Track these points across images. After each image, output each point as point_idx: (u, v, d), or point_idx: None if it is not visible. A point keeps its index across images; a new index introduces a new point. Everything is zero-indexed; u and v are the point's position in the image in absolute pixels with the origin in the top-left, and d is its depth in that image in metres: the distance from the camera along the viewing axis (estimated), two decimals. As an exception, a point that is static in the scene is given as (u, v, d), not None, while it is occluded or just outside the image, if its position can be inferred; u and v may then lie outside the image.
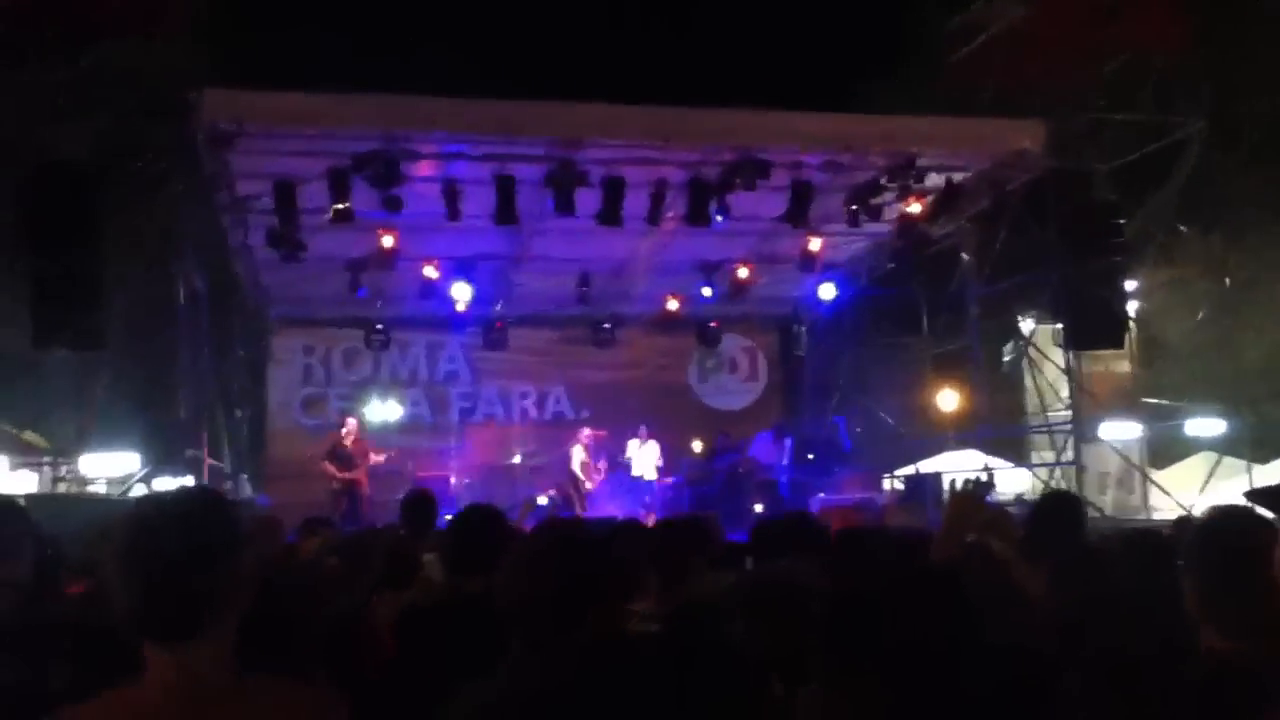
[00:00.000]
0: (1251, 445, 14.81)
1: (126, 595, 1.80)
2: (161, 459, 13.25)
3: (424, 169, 11.65)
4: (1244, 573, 2.28)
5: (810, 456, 15.58)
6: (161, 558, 1.80)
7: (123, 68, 9.52)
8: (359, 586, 4.09)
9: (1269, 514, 2.52)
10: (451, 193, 11.81)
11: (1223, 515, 2.54)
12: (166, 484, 14.28)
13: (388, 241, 12.97)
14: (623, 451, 15.44)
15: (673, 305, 16.43)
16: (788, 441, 15.56)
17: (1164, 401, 16.27)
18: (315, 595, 3.83)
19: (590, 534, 2.65)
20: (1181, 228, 14.22)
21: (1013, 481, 15.75)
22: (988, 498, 3.90)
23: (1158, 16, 12.08)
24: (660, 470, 15.32)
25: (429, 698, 2.52)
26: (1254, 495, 2.69)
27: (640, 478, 15.23)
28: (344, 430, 14.25)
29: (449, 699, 2.30)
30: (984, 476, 3.92)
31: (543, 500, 14.15)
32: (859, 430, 16.40)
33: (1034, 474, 15.28)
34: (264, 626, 2.09)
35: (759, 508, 14.37)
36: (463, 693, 2.30)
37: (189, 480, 14.31)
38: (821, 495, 14.45)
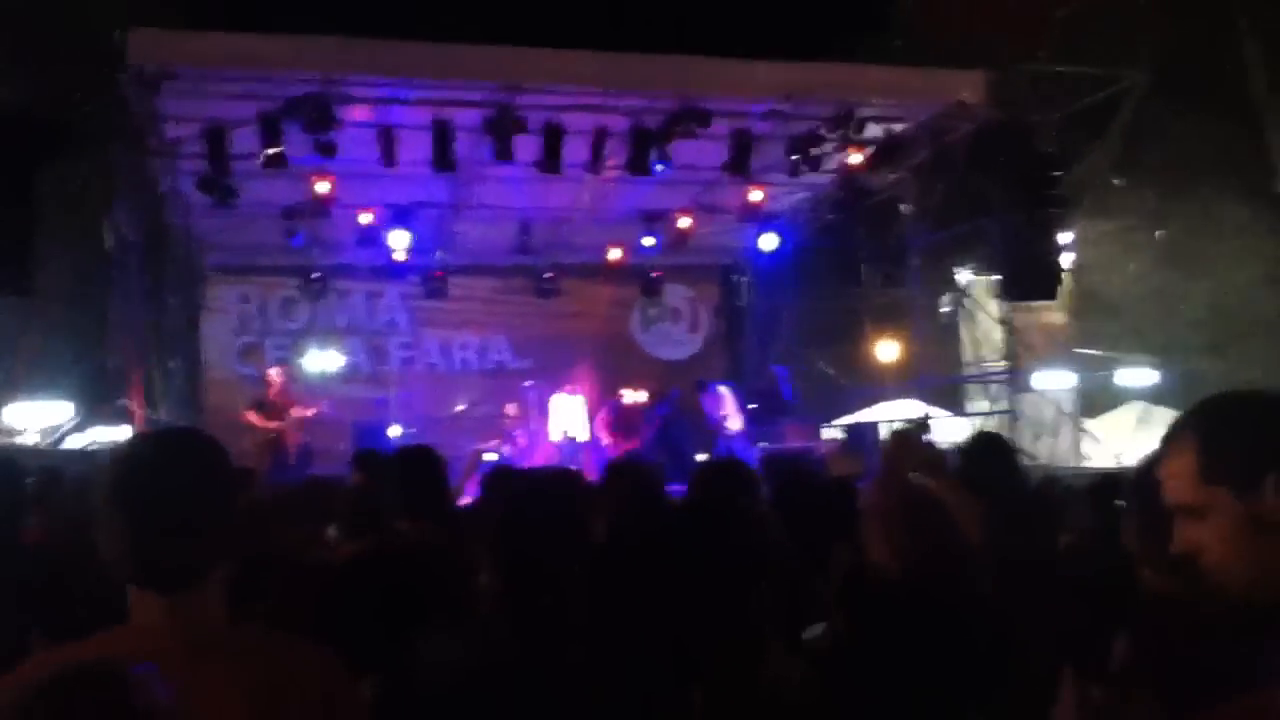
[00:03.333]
0: (1182, 395, 15.17)
1: (121, 541, 1.69)
2: (93, 409, 13.02)
3: (359, 113, 11.42)
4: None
5: (752, 406, 15.67)
6: (162, 500, 1.69)
7: (50, 5, 9.17)
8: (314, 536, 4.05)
9: None
10: (388, 139, 11.60)
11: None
12: (99, 434, 14.07)
13: (323, 188, 12.71)
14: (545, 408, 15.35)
15: (615, 255, 16.35)
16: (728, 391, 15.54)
17: (1097, 352, 16.58)
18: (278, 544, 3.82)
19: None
20: (1117, 181, 14.38)
21: (950, 430, 16.02)
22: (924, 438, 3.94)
23: None
24: (592, 428, 15.26)
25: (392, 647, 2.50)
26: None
27: (568, 437, 15.16)
28: (268, 380, 14.08)
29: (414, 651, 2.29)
30: (922, 419, 4.01)
31: (491, 456, 14.12)
32: (800, 380, 16.51)
33: (971, 423, 15.53)
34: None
35: (701, 458, 14.47)
36: (435, 647, 2.30)
37: (124, 430, 14.11)
38: (762, 445, 14.58)
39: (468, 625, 2.38)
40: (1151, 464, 2.68)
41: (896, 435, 3.84)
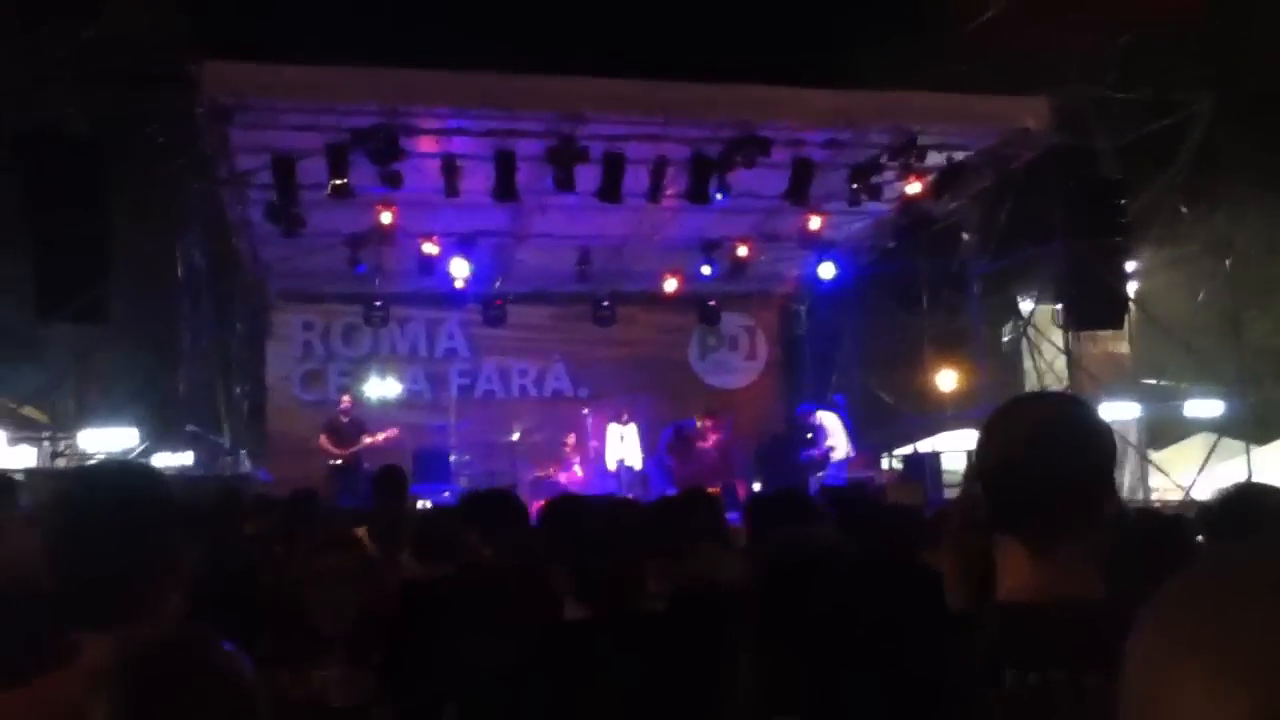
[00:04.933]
0: (1251, 426, 14.84)
1: (56, 581, 1.67)
2: (161, 434, 13.27)
3: (424, 144, 11.60)
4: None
5: (809, 436, 15.57)
6: (92, 540, 1.67)
7: (124, 37, 9.41)
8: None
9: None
10: (451, 168, 11.76)
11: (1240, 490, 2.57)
12: (165, 459, 14.35)
13: (386, 218, 12.93)
14: (603, 437, 15.41)
15: (672, 283, 16.40)
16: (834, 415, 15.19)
17: (1163, 382, 16.30)
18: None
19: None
20: (1183, 208, 14.16)
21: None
22: None
23: None
24: (644, 454, 15.28)
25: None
26: None
27: (625, 464, 15.18)
28: (340, 406, 14.29)
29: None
30: None
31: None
32: (858, 409, 16.40)
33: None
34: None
35: (757, 486, 14.40)
36: (483, 662, 2.31)
37: (189, 456, 14.36)
38: (820, 475, 14.46)
39: (555, 648, 2.38)
40: (1232, 499, 2.65)
41: (967, 488, 3.68)
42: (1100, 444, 1.65)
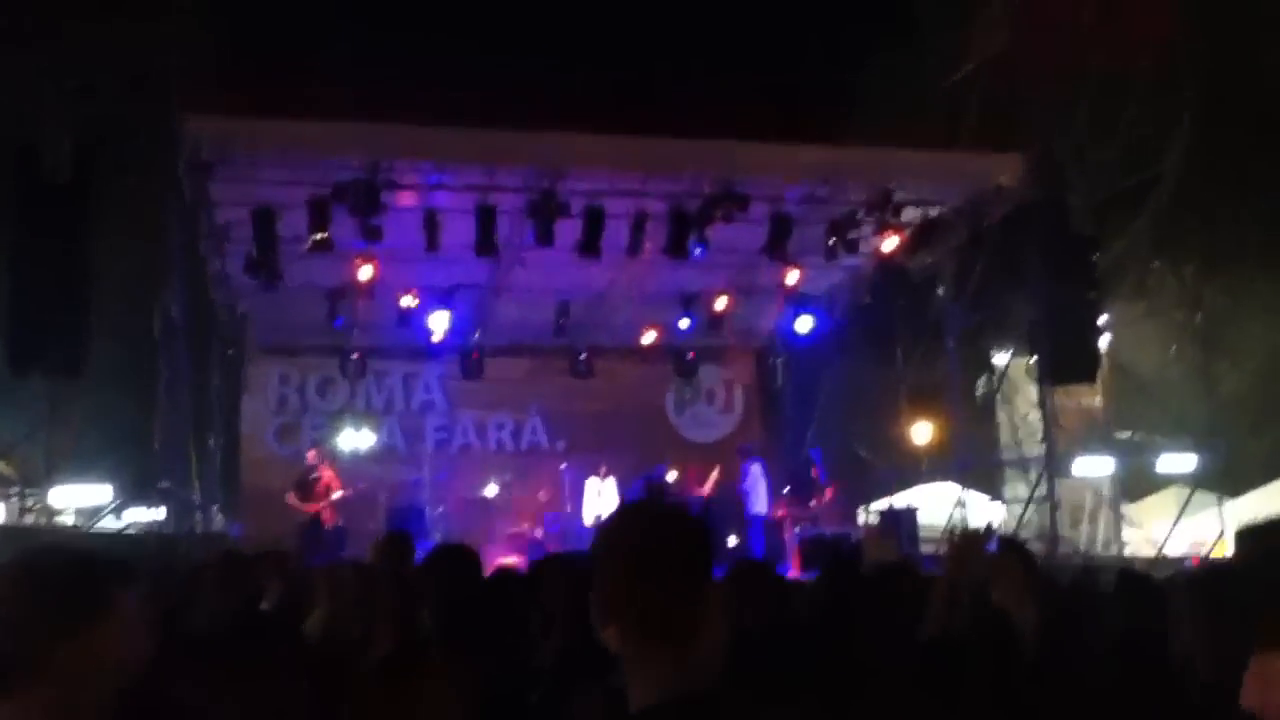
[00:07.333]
0: (1223, 478, 14.94)
1: None
2: (135, 489, 13.06)
3: (404, 198, 11.64)
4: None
5: (786, 490, 15.58)
6: None
7: (107, 89, 9.40)
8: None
9: None
10: (432, 222, 11.81)
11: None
12: (138, 515, 14.10)
13: (367, 272, 12.91)
14: (582, 492, 15.34)
15: (651, 336, 16.44)
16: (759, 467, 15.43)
17: (1136, 436, 16.39)
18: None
19: None
20: (1156, 262, 14.37)
21: (987, 515, 15.85)
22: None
23: (1138, 39, 12.23)
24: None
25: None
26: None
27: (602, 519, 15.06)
28: (308, 461, 14.18)
29: None
30: (986, 525, 3.97)
31: None
32: (835, 462, 16.41)
33: (1008, 507, 15.36)
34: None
35: (733, 541, 14.34)
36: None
37: (161, 512, 14.12)
38: (797, 529, 14.44)
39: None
40: (1218, 571, 2.67)
41: (958, 542, 3.58)
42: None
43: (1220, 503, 14.67)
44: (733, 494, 15.12)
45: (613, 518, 1.82)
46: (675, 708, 1.59)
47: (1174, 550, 13.82)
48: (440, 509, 15.36)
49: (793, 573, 12.79)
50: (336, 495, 13.86)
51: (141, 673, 1.93)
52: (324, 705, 2.94)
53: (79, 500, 13.49)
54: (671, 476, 15.72)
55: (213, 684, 2.86)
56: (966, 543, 3.52)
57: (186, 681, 2.71)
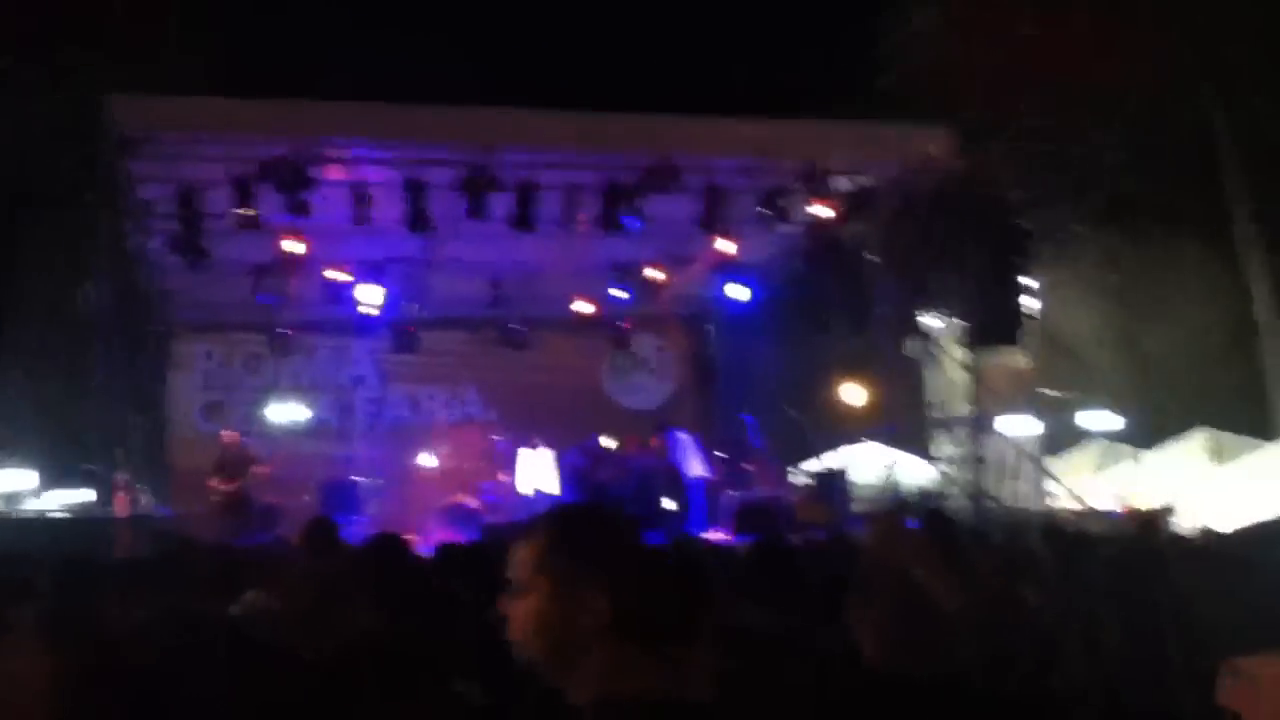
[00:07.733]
0: (1144, 435, 15.46)
1: None
2: (60, 472, 12.78)
3: (333, 173, 11.43)
4: None
5: (721, 455, 15.74)
6: None
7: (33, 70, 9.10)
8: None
9: None
10: (361, 198, 11.62)
11: None
12: (59, 498, 13.79)
13: (296, 248, 12.66)
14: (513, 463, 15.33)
15: (585, 307, 16.40)
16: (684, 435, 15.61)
17: (1060, 394, 16.83)
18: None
19: None
20: (1078, 227, 14.71)
21: (916, 475, 16.18)
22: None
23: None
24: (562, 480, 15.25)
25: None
26: None
27: (539, 490, 15.12)
28: (223, 441, 14.01)
29: None
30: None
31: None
32: (768, 428, 16.60)
33: (935, 466, 15.69)
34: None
35: (672, 505, 14.47)
36: None
37: (87, 494, 13.83)
38: (731, 493, 14.63)
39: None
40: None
41: (878, 527, 3.53)
42: None
43: (1136, 455, 15.18)
44: (666, 462, 15.23)
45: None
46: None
47: (1096, 502, 14.27)
48: (373, 483, 15.23)
49: (726, 536, 12.98)
50: (260, 471, 13.73)
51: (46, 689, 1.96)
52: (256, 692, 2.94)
53: (4, 485, 13.19)
54: (612, 444, 15.76)
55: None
56: (888, 523, 3.55)
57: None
